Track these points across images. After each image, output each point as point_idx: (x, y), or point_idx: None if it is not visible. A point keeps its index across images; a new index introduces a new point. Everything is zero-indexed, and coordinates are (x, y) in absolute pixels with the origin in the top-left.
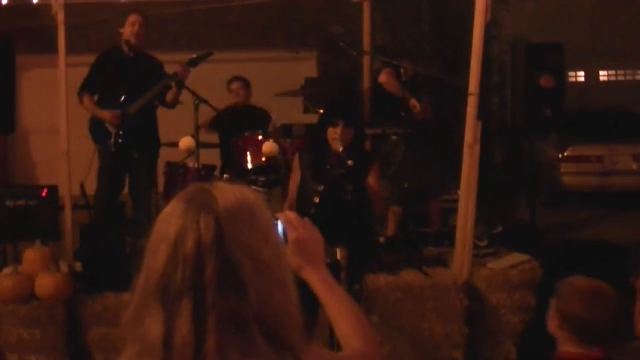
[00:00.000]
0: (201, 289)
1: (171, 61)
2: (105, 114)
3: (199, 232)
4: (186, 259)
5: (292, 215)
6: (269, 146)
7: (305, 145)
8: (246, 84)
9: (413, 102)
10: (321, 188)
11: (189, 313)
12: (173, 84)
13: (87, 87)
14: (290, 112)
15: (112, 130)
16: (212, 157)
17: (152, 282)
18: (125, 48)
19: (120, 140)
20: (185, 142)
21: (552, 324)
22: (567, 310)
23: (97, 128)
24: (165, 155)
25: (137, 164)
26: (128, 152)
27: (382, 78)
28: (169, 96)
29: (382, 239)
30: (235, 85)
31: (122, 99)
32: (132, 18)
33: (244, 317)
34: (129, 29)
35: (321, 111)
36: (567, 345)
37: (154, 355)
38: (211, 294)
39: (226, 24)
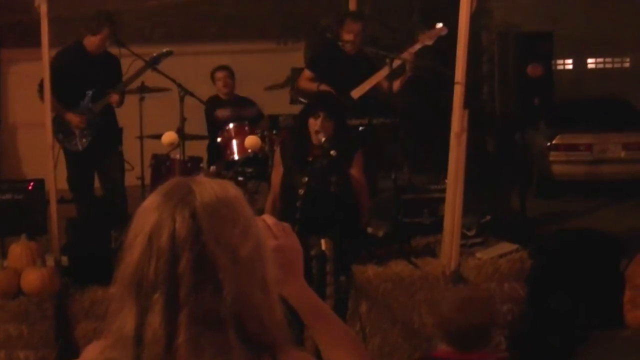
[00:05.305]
0: (174, 284)
1: None
2: (73, 118)
3: (174, 226)
4: (160, 253)
5: (271, 221)
6: (251, 140)
7: (287, 138)
8: (231, 73)
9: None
10: (306, 180)
11: (161, 307)
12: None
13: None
14: (278, 103)
15: (76, 131)
16: (198, 149)
17: (128, 276)
18: (88, 46)
19: (84, 141)
20: (168, 137)
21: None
22: (440, 315)
23: (60, 127)
24: (151, 147)
25: (103, 160)
26: (93, 151)
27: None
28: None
29: (380, 233)
30: (220, 75)
31: (86, 100)
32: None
33: (219, 313)
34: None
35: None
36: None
37: (125, 349)
38: (184, 289)
39: (218, 16)
